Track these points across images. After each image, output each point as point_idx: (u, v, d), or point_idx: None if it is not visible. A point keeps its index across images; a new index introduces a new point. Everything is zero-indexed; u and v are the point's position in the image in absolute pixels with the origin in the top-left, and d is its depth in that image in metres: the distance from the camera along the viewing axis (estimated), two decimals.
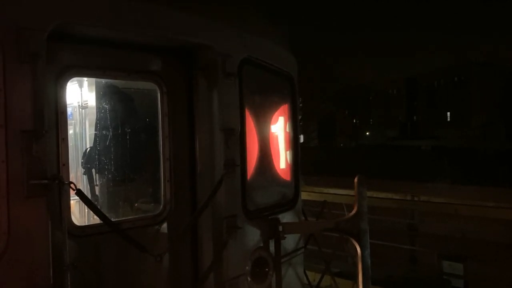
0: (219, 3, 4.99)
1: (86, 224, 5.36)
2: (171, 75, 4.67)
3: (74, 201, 5.02)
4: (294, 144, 6.10)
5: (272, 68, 5.63)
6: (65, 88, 3.94)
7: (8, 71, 3.26)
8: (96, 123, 5.19)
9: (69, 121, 4.37)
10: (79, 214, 5.89)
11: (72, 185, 3.58)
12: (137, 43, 4.38)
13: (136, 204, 5.05)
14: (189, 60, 4.78)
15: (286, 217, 5.61)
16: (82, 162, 5.76)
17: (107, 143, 4.97)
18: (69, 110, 5.44)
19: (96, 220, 4.38)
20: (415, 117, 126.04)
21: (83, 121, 6.53)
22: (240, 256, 4.77)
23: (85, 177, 5.71)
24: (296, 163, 6.12)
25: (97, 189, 5.46)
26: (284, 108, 5.95)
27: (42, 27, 3.41)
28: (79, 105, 6.56)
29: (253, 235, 4.98)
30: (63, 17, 3.56)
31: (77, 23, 3.71)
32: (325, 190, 12.08)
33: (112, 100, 5.04)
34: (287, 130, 5.94)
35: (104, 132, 5.01)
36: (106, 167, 5.01)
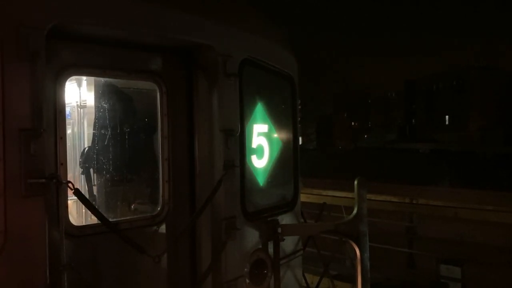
0: (220, 3, 4.97)
1: (84, 224, 5.33)
2: (171, 75, 4.65)
3: (72, 201, 4.99)
4: (293, 146, 6.07)
5: (272, 69, 5.61)
6: (64, 86, 3.91)
7: (7, 69, 3.23)
8: (95, 123, 5.16)
9: (67, 121, 4.34)
10: (77, 214, 5.86)
11: (70, 185, 3.54)
12: (137, 43, 4.35)
13: (134, 205, 5.02)
14: (189, 60, 4.76)
15: (285, 219, 5.58)
16: (80, 162, 5.73)
17: (106, 143, 4.94)
18: (67, 109, 5.42)
19: (93, 220, 4.35)
20: (413, 120, 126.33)
21: (82, 120, 6.50)
22: (239, 258, 4.74)
23: (83, 176, 5.68)
24: (296, 164, 6.10)
25: (95, 189, 5.43)
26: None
27: (42, 26, 3.38)
28: (77, 105, 6.54)
29: (252, 236, 4.95)
30: (62, 16, 3.53)
31: (77, 21, 3.68)
32: (324, 193, 12.07)
33: (111, 99, 5.01)
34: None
35: (102, 131, 4.98)
36: (104, 167, 4.98)
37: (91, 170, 5.43)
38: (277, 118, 5.90)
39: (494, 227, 11.06)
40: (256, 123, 5.36)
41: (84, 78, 5.73)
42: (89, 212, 4.25)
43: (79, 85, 6.19)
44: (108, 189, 5.04)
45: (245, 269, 4.77)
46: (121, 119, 4.93)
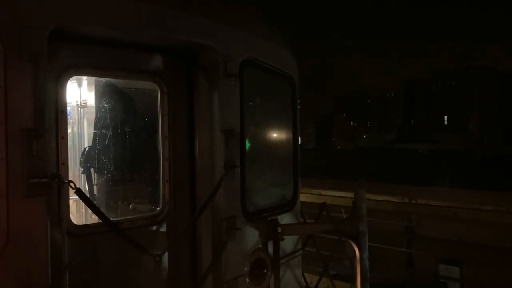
0: (221, 4, 4.99)
1: (84, 223, 5.35)
2: (171, 75, 4.67)
3: (72, 200, 5.01)
4: (293, 146, 6.09)
5: (272, 69, 5.63)
6: (66, 87, 3.93)
7: (9, 69, 3.25)
8: (95, 122, 5.17)
9: (67, 120, 4.35)
10: (77, 213, 5.87)
11: (71, 184, 3.56)
12: (138, 43, 4.37)
13: (134, 204, 5.04)
14: (190, 60, 4.78)
15: (285, 219, 5.60)
16: (80, 161, 5.74)
17: (106, 143, 4.96)
18: (67, 109, 5.43)
19: (94, 219, 4.37)
20: (412, 121, 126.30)
21: (82, 120, 6.52)
22: (239, 257, 4.76)
23: (83, 176, 5.69)
24: (295, 164, 6.11)
25: (95, 188, 5.44)
26: None
27: (44, 26, 3.40)
28: (77, 104, 6.55)
29: (252, 236, 4.97)
30: (64, 16, 3.55)
31: (79, 22, 3.70)
32: (323, 192, 12.08)
33: (111, 99, 5.02)
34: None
35: (103, 131, 5.00)
36: (105, 166, 5.00)
37: (92, 169, 5.44)
38: (275, 119, 5.91)
39: (493, 227, 11.08)
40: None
41: (84, 78, 5.75)
42: (90, 211, 4.27)
43: (80, 84, 6.20)
44: (109, 189, 5.06)
45: (245, 269, 4.79)
46: (122, 119, 4.94)
